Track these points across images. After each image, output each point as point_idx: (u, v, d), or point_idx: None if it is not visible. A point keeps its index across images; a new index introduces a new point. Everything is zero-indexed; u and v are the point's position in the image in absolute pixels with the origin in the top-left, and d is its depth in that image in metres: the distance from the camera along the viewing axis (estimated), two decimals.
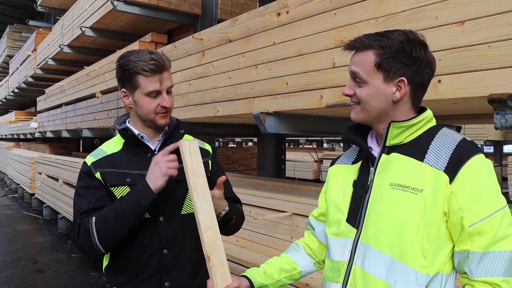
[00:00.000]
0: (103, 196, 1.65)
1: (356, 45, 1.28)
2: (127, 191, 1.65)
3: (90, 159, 1.71)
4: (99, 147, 1.78)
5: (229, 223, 1.72)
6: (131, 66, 1.61)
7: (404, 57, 1.22)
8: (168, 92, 1.68)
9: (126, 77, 1.64)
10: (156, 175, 1.55)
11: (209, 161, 1.85)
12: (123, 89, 1.69)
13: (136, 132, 1.71)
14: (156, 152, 1.72)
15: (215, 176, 1.82)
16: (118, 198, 1.64)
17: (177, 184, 1.68)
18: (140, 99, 1.65)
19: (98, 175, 1.66)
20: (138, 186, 1.59)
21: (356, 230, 1.30)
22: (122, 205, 1.56)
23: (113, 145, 1.76)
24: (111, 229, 1.57)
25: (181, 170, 1.58)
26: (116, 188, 1.65)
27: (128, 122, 1.78)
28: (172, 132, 1.76)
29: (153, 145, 1.75)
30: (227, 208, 1.67)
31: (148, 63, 1.59)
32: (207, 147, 1.89)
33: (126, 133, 1.72)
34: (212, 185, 1.71)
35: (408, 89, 1.24)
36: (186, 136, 1.82)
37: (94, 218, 1.57)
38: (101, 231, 1.56)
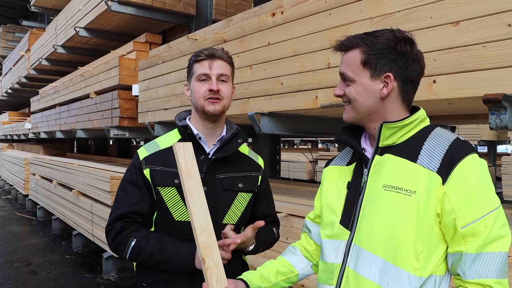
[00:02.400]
0: (144, 197, 1.68)
1: (344, 44, 1.30)
2: (174, 192, 1.66)
3: (143, 152, 1.73)
4: (155, 140, 1.79)
5: (254, 253, 1.76)
6: (192, 57, 1.73)
7: (390, 52, 1.22)
8: (222, 80, 1.70)
9: (188, 69, 1.75)
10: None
11: (259, 176, 1.84)
12: (186, 82, 1.78)
13: (195, 131, 1.71)
14: (210, 156, 1.71)
15: (263, 194, 1.86)
16: (164, 199, 1.66)
17: (224, 192, 1.69)
18: (193, 86, 1.71)
19: (147, 171, 1.67)
20: (185, 252, 1.62)
21: (349, 232, 1.29)
22: (161, 256, 1.62)
23: (169, 140, 1.76)
24: (142, 260, 1.65)
25: (227, 178, 1.66)
26: (163, 188, 1.66)
27: (189, 120, 1.78)
28: (230, 140, 1.74)
29: (208, 148, 1.73)
30: (252, 246, 1.70)
31: (202, 51, 1.70)
32: (260, 161, 1.89)
33: (185, 131, 1.73)
34: (256, 201, 1.80)
35: (395, 84, 1.24)
36: (243, 147, 1.83)
37: (133, 243, 1.63)
38: (133, 256, 1.65)
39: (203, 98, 1.67)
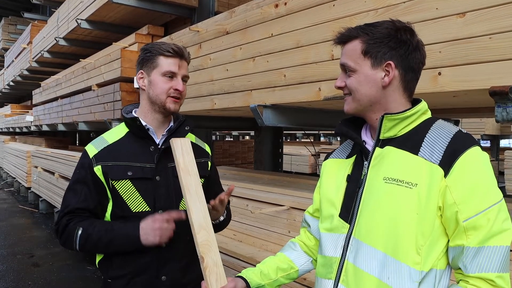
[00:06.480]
0: (91, 194, 1.68)
1: (344, 36, 1.29)
2: (128, 184, 1.67)
3: (92, 150, 1.73)
4: (102, 135, 1.79)
5: (219, 228, 1.85)
6: (154, 47, 1.72)
7: (390, 41, 1.22)
8: (183, 80, 1.74)
9: (147, 57, 1.72)
10: (150, 238, 1.60)
11: (209, 162, 1.89)
12: (141, 71, 1.75)
13: (144, 123, 1.73)
14: (159, 146, 1.73)
15: (213, 179, 1.93)
16: (120, 192, 1.66)
17: (176, 179, 1.68)
18: (155, 79, 1.71)
19: (98, 169, 1.67)
20: (130, 227, 1.63)
21: (348, 225, 1.28)
22: (108, 237, 1.62)
23: (116, 134, 1.77)
24: (92, 247, 1.65)
25: None
26: (117, 181, 1.67)
27: (135, 112, 1.79)
28: (178, 128, 1.78)
29: (157, 138, 1.76)
30: (224, 215, 1.78)
31: (170, 47, 1.71)
32: (207, 148, 1.94)
33: (133, 123, 1.73)
34: (208, 185, 1.82)
35: (396, 73, 1.23)
36: (190, 135, 1.84)
37: (80, 231, 1.62)
38: (82, 245, 1.63)
39: (166, 94, 1.70)
